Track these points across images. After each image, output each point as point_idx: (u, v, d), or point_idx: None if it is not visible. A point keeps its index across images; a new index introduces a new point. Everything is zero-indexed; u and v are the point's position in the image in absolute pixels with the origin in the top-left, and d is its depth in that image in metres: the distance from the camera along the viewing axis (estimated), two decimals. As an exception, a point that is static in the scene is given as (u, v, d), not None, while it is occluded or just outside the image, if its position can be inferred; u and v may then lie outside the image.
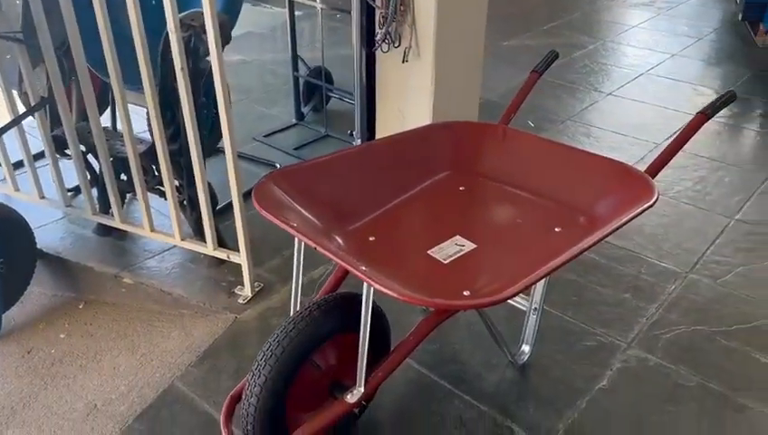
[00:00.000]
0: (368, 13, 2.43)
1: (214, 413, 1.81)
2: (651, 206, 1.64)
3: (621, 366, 1.98)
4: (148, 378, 1.97)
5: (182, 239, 2.26)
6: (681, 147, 1.89)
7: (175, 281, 2.33)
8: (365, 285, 1.44)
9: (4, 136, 2.43)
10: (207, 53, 1.89)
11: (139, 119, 2.35)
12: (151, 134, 2.12)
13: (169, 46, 1.86)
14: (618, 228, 1.60)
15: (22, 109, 2.41)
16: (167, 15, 1.79)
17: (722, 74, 4.28)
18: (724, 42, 4.87)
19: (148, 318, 2.25)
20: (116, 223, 2.37)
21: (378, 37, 2.37)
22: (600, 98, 3.91)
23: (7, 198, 2.60)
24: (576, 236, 1.79)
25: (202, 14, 1.80)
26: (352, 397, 1.50)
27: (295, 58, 3.40)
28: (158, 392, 1.90)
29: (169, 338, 2.13)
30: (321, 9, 3.13)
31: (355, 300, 1.54)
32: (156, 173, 2.30)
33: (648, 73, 4.27)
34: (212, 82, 2.37)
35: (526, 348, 2.00)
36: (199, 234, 2.29)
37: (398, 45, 2.41)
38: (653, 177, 1.83)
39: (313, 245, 1.43)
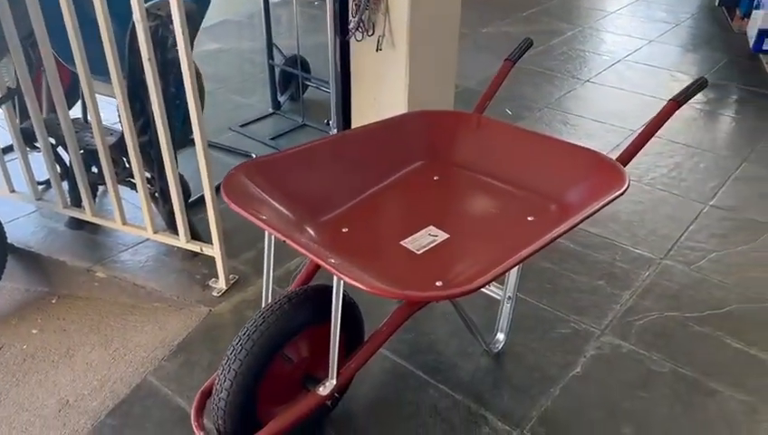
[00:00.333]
0: (342, 0, 2.40)
1: (187, 408, 1.80)
2: (622, 194, 1.65)
3: (595, 353, 1.99)
4: (121, 373, 1.95)
5: (154, 232, 2.23)
6: (653, 134, 1.90)
7: (148, 274, 2.31)
8: (335, 277, 1.43)
9: (-29, 129, 2.38)
10: (176, 44, 1.86)
11: (111, 109, 2.32)
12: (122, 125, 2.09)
13: (136, 37, 1.82)
14: (588, 217, 1.60)
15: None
16: (132, 5, 1.75)
17: (699, 60, 4.30)
18: (701, 27, 4.89)
19: (122, 312, 2.23)
20: (87, 216, 2.34)
21: (351, 25, 2.35)
22: (577, 85, 3.92)
23: (-24, 192, 2.56)
24: (548, 224, 1.80)
25: (169, 2, 1.76)
26: (324, 389, 1.50)
27: (270, 46, 3.36)
28: (130, 387, 1.89)
29: (143, 332, 2.11)
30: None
31: (327, 292, 1.53)
32: (127, 165, 2.26)
33: (625, 60, 4.28)
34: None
35: (501, 336, 2.01)
36: (172, 226, 2.27)
37: (372, 34, 2.39)
38: (625, 164, 1.84)
39: (282, 238, 1.41)
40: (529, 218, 1.80)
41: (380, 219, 1.87)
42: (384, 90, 2.50)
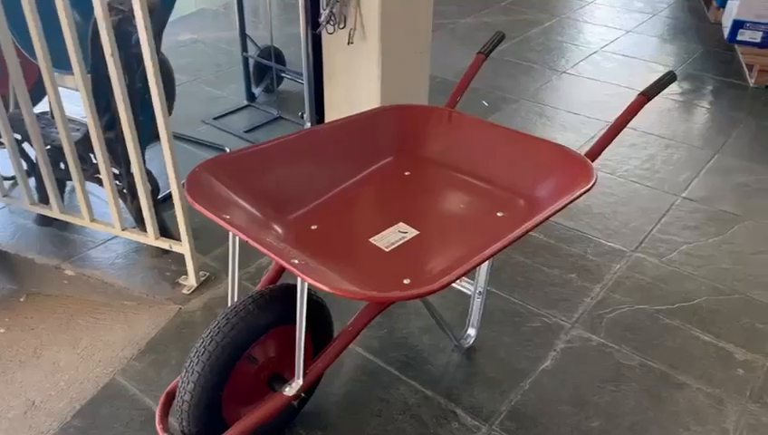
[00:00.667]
0: (312, -6, 2.37)
1: (155, 408, 1.78)
2: (589, 189, 1.65)
3: (565, 347, 2.00)
4: (89, 373, 1.93)
5: (123, 229, 2.20)
6: (622, 128, 1.90)
7: (118, 271, 2.28)
8: (299, 278, 1.42)
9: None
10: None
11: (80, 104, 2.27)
12: (88, 121, 2.05)
13: (98, 32, 1.78)
14: (554, 213, 1.60)
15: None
16: (93, 0, 1.71)
17: (675, 51, 4.31)
18: (678, 17, 4.91)
19: (91, 310, 2.20)
20: (54, 213, 2.30)
21: (322, 18, 2.32)
22: (554, 76, 3.91)
23: (-59, 189, 2.50)
24: (517, 220, 1.80)
25: (132, -3, 1.72)
26: (291, 390, 1.49)
27: (244, 37, 3.32)
28: (98, 387, 1.86)
29: (112, 331, 2.09)
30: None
31: (293, 292, 1.51)
32: (94, 161, 2.23)
33: (602, 51, 4.28)
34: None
35: (472, 331, 2.01)
36: (141, 223, 2.24)
37: (344, 26, 2.36)
38: (593, 159, 1.84)
39: (246, 238, 1.39)
40: (498, 214, 1.80)
41: (350, 216, 1.85)
42: (357, 83, 2.48)
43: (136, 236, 2.22)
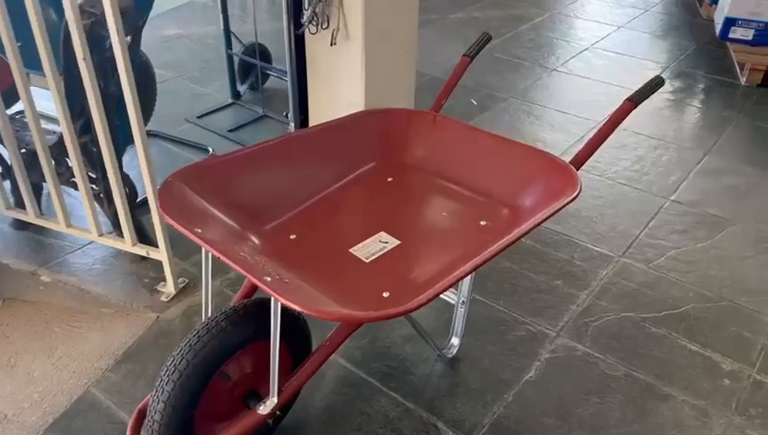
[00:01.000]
0: (294, -7, 2.31)
1: (129, 421, 1.74)
2: (573, 199, 1.61)
3: (549, 356, 1.97)
4: (63, 384, 1.89)
5: (100, 235, 2.15)
6: (608, 135, 1.86)
7: (96, 278, 2.23)
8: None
9: None
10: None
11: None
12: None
13: (70, 35, 1.73)
14: (537, 225, 1.57)
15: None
16: (64, 3, 1.65)
17: (667, 47, 4.27)
18: (671, 13, 4.86)
19: (67, 318, 2.15)
20: (30, 218, 2.25)
21: (304, 18, 2.27)
22: (544, 74, 3.87)
23: None
24: (500, 229, 1.77)
25: (103, -1, 1.67)
26: (265, 408, 1.45)
27: (228, 34, 3.26)
28: (72, 400, 1.82)
29: (88, 340, 2.04)
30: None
31: (269, 306, 1.47)
32: (70, 165, 2.17)
33: (593, 47, 4.24)
34: (133, 66, 2.25)
35: (455, 341, 1.97)
36: (119, 228, 2.19)
37: (327, 27, 2.31)
38: (579, 166, 1.81)
39: (217, 254, 1.35)
40: (482, 223, 1.76)
41: (330, 225, 1.81)
42: (341, 84, 2.43)
43: (112, 243, 2.17)
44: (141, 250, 2.13)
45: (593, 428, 1.76)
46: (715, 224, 2.57)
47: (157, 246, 2.11)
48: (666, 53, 4.18)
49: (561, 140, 3.14)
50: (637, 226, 2.55)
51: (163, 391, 1.35)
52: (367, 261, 1.62)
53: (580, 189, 1.62)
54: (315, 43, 2.40)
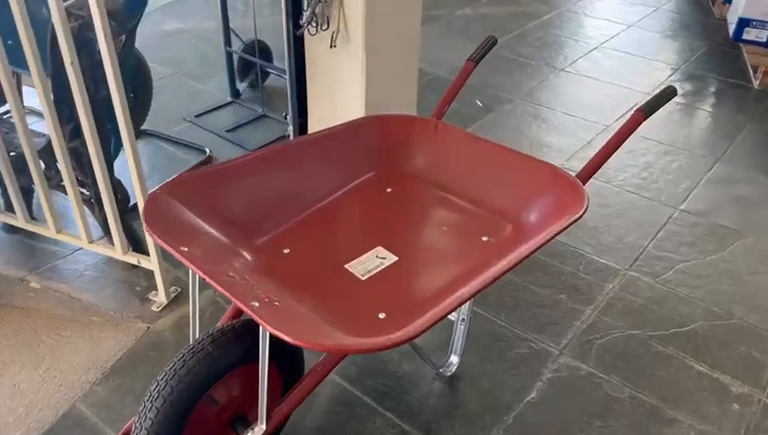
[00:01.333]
0: (294, -8, 2.23)
1: (115, 441, 1.69)
2: (579, 218, 1.54)
3: (552, 376, 1.90)
4: (49, 398, 1.83)
5: (90, 242, 2.09)
6: (616, 148, 1.78)
7: (86, 285, 2.17)
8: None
9: None
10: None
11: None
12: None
13: (57, 38, 1.66)
14: (540, 246, 1.50)
15: None
16: (50, 6, 1.58)
17: (678, 48, 4.17)
18: (682, 12, 4.75)
19: (57, 326, 2.09)
20: (20, 222, 2.19)
21: (303, 20, 2.19)
22: (551, 74, 3.78)
23: None
24: (502, 247, 1.70)
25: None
26: (253, 435, 1.39)
27: (227, 31, 3.18)
28: (58, 415, 1.77)
29: (76, 351, 1.98)
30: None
31: (257, 328, 1.41)
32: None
33: (602, 47, 4.14)
34: (126, 65, 2.18)
35: (454, 359, 1.91)
36: (110, 234, 2.12)
37: (327, 28, 2.23)
38: (585, 181, 1.73)
39: (203, 275, 1.28)
40: (483, 239, 1.70)
41: (326, 238, 1.75)
42: (340, 87, 2.35)
43: (103, 250, 2.11)
44: (132, 259, 2.07)
45: (596, 453, 1.70)
46: (725, 236, 2.49)
47: (149, 254, 2.04)
48: (676, 54, 4.08)
49: (567, 145, 3.06)
50: (644, 237, 2.47)
51: (146, 418, 1.29)
52: (363, 278, 1.56)
53: (587, 207, 1.55)
54: (315, 45, 2.32)
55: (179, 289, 2.13)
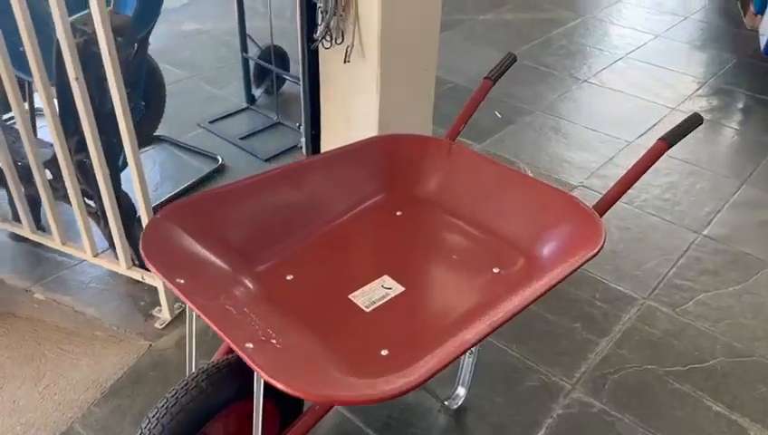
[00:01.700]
0: (309, 3, 2.18)
1: (110, 466, 1.65)
2: (595, 255, 1.47)
3: (563, 412, 1.83)
4: (47, 417, 1.80)
5: (95, 256, 2.06)
6: (637, 178, 1.71)
7: (90, 298, 2.14)
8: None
9: None
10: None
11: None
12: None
13: (62, 53, 1.62)
14: (554, 286, 1.43)
15: None
16: (55, 20, 1.54)
17: (706, 60, 4.05)
18: (712, 22, 4.62)
19: (60, 339, 2.07)
20: (26, 232, 2.17)
21: (317, 34, 2.13)
22: (574, 85, 3.68)
23: None
24: (514, 281, 1.63)
25: (98, 15, 1.55)
26: (246, 476, 1.34)
27: (244, 37, 3.14)
28: (54, 436, 1.74)
29: (77, 367, 1.95)
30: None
31: (254, 363, 1.36)
32: (67, 180, 2.08)
33: (627, 57, 4.03)
34: (138, 73, 2.15)
35: (461, 391, 1.85)
36: (115, 248, 2.09)
37: (342, 42, 2.17)
38: (603, 212, 1.66)
39: (197, 311, 1.24)
40: (494, 270, 1.64)
41: (331, 264, 1.69)
42: (354, 103, 2.29)
43: (107, 264, 2.08)
44: (136, 274, 2.03)
45: (606, 498, 1.63)
46: (749, 265, 2.39)
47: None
48: (704, 67, 3.96)
49: (588, 162, 2.97)
50: (665, 263, 2.39)
51: (135, 458, 1.25)
52: (367, 310, 1.50)
53: (603, 244, 1.48)
54: (329, 58, 2.26)
55: (183, 306, 2.10)
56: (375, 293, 1.55)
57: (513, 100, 3.48)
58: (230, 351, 1.54)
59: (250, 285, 1.52)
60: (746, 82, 3.76)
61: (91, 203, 2.10)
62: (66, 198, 2.15)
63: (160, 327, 2.03)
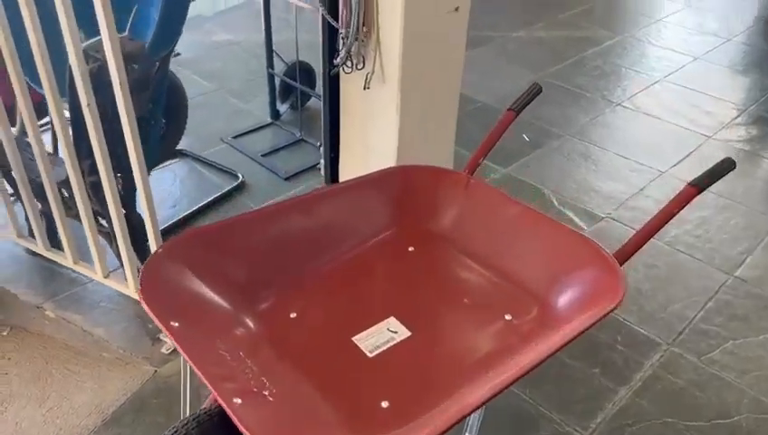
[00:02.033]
0: (331, 28, 2.14)
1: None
2: (612, 310, 1.40)
3: (575, 466, 1.75)
4: (48, 442, 1.79)
5: (105, 277, 2.05)
6: (662, 226, 1.61)
7: (100, 318, 2.13)
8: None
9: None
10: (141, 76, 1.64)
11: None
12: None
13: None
14: (569, 342, 1.36)
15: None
16: (67, 47, 1.53)
17: (747, 85, 3.90)
18: (755, 44, 4.46)
19: (68, 359, 2.06)
20: (39, 249, 2.17)
21: (337, 60, 2.09)
22: (607, 109, 3.58)
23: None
24: (525, 331, 1.57)
25: (112, 41, 1.53)
26: None
27: (270, 53, 3.12)
28: (53, 463, 1.72)
29: (82, 390, 1.94)
30: (296, 7, 2.82)
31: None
32: (82, 199, 2.07)
33: (664, 80, 3.90)
34: (159, 91, 2.14)
35: (469, 438, 1.78)
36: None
37: (363, 67, 2.12)
38: (624, 260, 1.57)
39: (188, 360, 1.20)
40: (507, 317, 1.57)
41: (338, 302, 1.65)
42: (373, 128, 2.24)
43: (116, 285, 2.06)
44: (144, 299, 2.01)
45: None
46: (783, 311, 2.27)
47: (162, 294, 1.98)
48: (745, 93, 3.81)
49: (617, 192, 2.87)
50: (692, 306, 2.28)
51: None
52: (370, 355, 1.45)
53: (625, 294, 1.40)
54: (350, 83, 2.22)
55: (192, 331, 2.06)
56: (380, 336, 1.50)
57: (541, 122, 3.39)
58: (225, 395, 1.49)
59: (251, 325, 1.48)
60: (789, 111, 3.60)
61: (105, 223, 2.09)
62: (78, 217, 2.14)
63: (166, 352, 2.00)
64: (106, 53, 1.48)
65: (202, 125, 3.21)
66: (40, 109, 2.01)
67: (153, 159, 2.40)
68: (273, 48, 3.11)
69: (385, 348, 1.47)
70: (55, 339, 2.13)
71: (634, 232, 1.52)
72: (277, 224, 1.64)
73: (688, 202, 1.61)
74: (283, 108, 3.31)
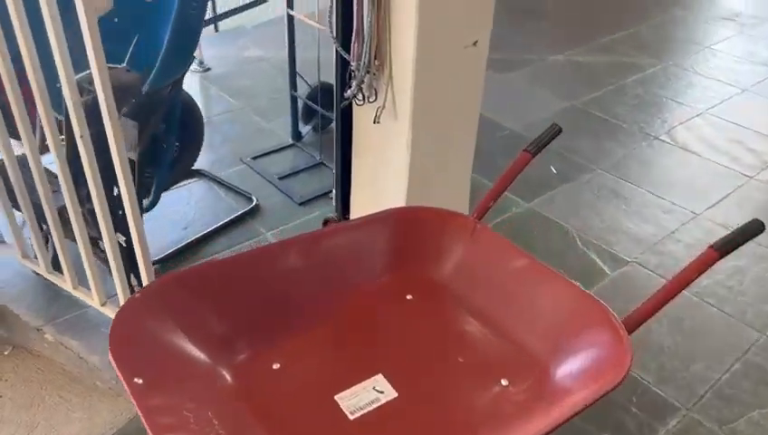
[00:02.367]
0: (344, 61, 2.07)
1: None
2: (614, 388, 1.29)
3: None
4: (29, 475, 1.76)
5: (102, 304, 2.01)
6: (679, 292, 1.49)
7: (97, 344, 2.10)
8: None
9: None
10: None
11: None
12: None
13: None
14: (566, 421, 1.26)
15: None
16: (61, 79, 1.49)
17: (797, 121, 3.68)
18: (810, 77, 4.22)
19: (62, 385, 2.03)
20: (41, 271, 2.15)
21: (348, 93, 2.02)
22: (644, 142, 3.41)
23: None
24: (521, 400, 1.47)
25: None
26: None
27: (293, 76, 3.07)
28: (30, 498, 1.69)
29: (70, 421, 1.90)
30: (319, 30, 2.77)
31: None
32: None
33: (707, 113, 3.72)
34: (172, 113, 2.11)
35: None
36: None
37: (374, 100, 2.05)
38: (633, 329, 1.45)
39: (143, 419, 1.14)
40: (503, 382, 1.48)
41: (325, 353, 1.58)
42: (384, 161, 2.16)
43: (112, 314, 2.01)
44: (138, 330, 1.96)
45: None
46: (818, 379, 2.10)
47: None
48: (794, 130, 3.60)
49: (647, 235, 2.72)
50: (717, 367, 2.12)
51: None
52: (351, 417, 1.37)
53: (630, 368, 1.29)
54: (362, 114, 2.14)
55: (186, 365, 2.01)
56: (364, 396, 1.42)
57: (572, 154, 3.26)
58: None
59: (228, 378, 1.42)
60: (841, 152, 3.38)
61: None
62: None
63: (158, 386, 1.95)
64: (96, 87, 1.44)
65: (223, 144, 3.19)
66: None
67: (164, 182, 2.37)
68: (297, 70, 3.06)
69: (368, 410, 1.39)
70: (54, 362, 2.11)
71: (655, 291, 1.40)
72: (267, 267, 1.58)
73: (708, 268, 1.49)
74: (305, 129, 3.26)
